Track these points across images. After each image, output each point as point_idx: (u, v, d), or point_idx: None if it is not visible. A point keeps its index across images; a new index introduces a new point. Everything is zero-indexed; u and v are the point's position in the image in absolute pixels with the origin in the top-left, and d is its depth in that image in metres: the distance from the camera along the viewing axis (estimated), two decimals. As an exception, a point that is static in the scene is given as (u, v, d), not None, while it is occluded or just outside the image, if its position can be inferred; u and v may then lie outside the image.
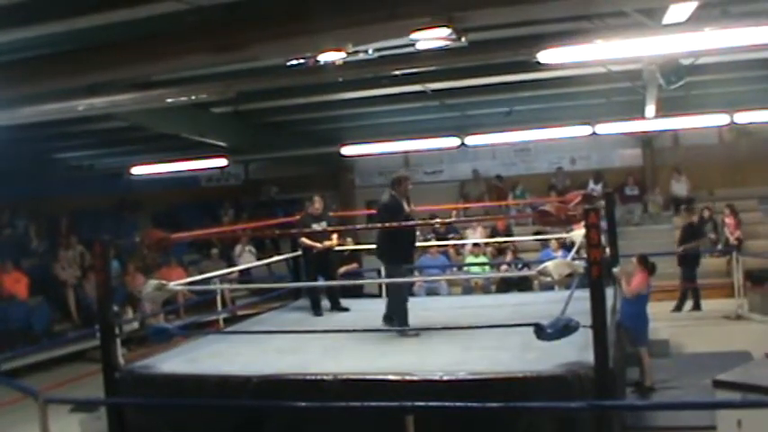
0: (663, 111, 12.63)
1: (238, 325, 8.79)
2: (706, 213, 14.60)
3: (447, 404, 4.84)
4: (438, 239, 13.79)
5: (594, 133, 14.12)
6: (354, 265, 12.00)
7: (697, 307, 11.92)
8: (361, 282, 11.72)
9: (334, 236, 9.02)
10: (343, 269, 11.36)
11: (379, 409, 4.92)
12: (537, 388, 5.10)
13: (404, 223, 7.13)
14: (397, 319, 7.15)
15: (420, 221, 7.44)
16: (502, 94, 12.81)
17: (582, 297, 5.30)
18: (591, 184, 15.84)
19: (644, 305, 8.41)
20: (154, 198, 18.46)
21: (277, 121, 15.01)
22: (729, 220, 14.22)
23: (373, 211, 8.89)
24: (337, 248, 9.49)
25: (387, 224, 7.21)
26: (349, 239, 12.27)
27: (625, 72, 10.71)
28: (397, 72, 10.21)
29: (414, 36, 6.27)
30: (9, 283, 12.67)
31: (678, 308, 11.91)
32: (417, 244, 7.63)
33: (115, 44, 7.17)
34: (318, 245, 8.70)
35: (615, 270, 8.57)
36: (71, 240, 14.39)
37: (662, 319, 10.05)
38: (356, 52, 7.99)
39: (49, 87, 8.36)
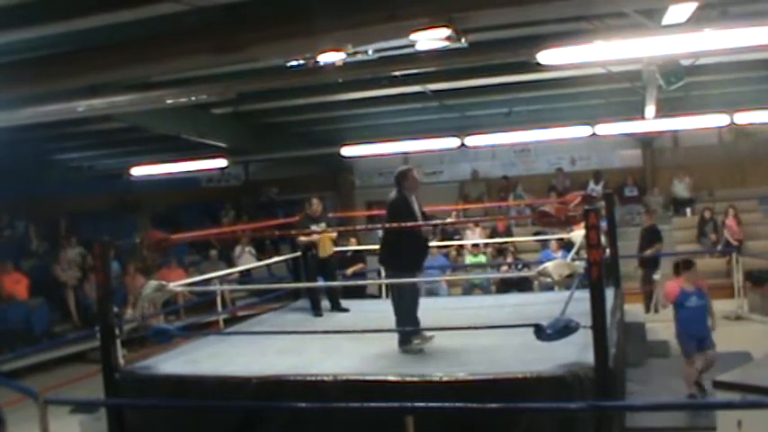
0: (663, 111, 12.65)
1: (238, 326, 8.78)
2: (707, 214, 14.61)
3: (447, 404, 4.85)
4: (443, 240, 13.75)
5: (594, 134, 14.15)
6: (361, 266, 12.02)
7: (656, 309, 11.88)
8: (364, 282, 11.73)
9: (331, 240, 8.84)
10: (351, 270, 11.39)
11: (379, 410, 4.92)
12: (537, 388, 5.09)
13: (409, 224, 6.23)
14: (407, 325, 6.40)
15: (434, 222, 6.58)
16: (502, 94, 12.83)
17: (582, 298, 5.29)
18: (591, 185, 15.85)
19: (685, 312, 7.90)
20: (154, 199, 18.46)
21: (277, 121, 15.03)
22: (731, 222, 14.22)
23: (374, 212, 8.76)
24: (338, 249, 9.49)
25: (389, 224, 6.39)
26: (352, 240, 12.28)
27: (625, 73, 10.71)
28: (396, 73, 10.23)
29: (413, 37, 6.27)
30: (9, 283, 12.66)
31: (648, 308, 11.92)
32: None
33: (115, 45, 7.18)
34: (314, 238, 8.48)
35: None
36: (71, 241, 14.40)
37: (662, 320, 10.05)
38: (356, 53, 8.00)
39: (49, 88, 8.37)
